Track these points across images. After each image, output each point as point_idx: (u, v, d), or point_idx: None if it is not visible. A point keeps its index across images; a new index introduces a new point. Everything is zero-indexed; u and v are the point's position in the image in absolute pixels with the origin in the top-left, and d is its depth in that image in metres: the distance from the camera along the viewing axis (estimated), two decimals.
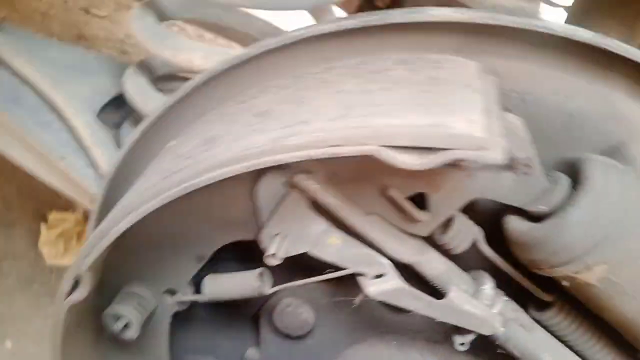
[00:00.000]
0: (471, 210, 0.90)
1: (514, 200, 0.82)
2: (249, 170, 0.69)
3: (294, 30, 0.85)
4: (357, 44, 0.86)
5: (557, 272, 0.79)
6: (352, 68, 0.83)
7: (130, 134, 1.00)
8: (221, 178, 0.70)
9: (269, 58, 0.88)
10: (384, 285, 0.85)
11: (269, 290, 0.93)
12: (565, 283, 0.81)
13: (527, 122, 0.84)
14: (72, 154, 1.42)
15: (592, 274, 0.77)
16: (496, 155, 0.66)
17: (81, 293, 0.84)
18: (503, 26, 0.82)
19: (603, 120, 0.86)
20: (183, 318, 1.02)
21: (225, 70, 0.88)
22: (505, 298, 0.90)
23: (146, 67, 1.52)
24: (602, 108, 0.86)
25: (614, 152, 0.85)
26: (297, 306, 1.03)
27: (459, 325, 0.87)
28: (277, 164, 0.69)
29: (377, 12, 0.86)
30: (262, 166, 0.69)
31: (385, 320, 1.02)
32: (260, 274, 0.92)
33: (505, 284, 0.92)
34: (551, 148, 0.87)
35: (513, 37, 0.84)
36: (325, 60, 0.87)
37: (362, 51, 0.86)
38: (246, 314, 1.09)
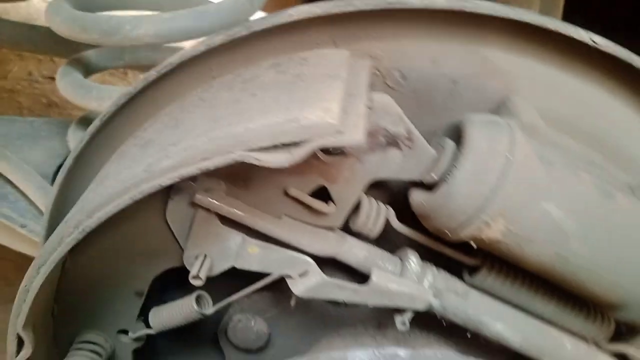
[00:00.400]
0: (384, 191, 0.92)
1: (407, 175, 0.83)
2: (128, 203, 0.71)
3: (171, 57, 0.87)
4: (234, 57, 0.88)
5: (462, 235, 0.80)
6: (228, 81, 0.85)
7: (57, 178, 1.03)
8: (108, 216, 0.73)
9: (157, 87, 0.90)
10: (307, 283, 0.86)
11: (210, 310, 0.95)
12: (475, 244, 0.82)
13: (414, 96, 0.86)
14: (31, 220, 1.47)
15: (493, 230, 0.78)
16: (354, 136, 0.68)
17: (26, 352, 0.87)
18: (364, 10, 0.84)
19: (484, 79, 0.87)
20: (147, 352, 1.04)
21: (119, 109, 0.91)
22: (435, 269, 0.91)
23: (87, 121, 1.57)
24: (481, 67, 0.87)
25: (501, 107, 0.86)
26: (247, 320, 1.05)
27: (391, 305, 0.88)
28: (154, 190, 0.71)
29: (263, 17, 0.87)
30: (139, 197, 0.71)
31: (336, 315, 1.04)
32: (197, 297, 0.93)
33: (436, 257, 0.93)
34: (443, 116, 0.88)
35: (380, 18, 0.86)
36: (209, 78, 0.89)
37: (240, 63, 0.88)
38: (206, 336, 1.10)
